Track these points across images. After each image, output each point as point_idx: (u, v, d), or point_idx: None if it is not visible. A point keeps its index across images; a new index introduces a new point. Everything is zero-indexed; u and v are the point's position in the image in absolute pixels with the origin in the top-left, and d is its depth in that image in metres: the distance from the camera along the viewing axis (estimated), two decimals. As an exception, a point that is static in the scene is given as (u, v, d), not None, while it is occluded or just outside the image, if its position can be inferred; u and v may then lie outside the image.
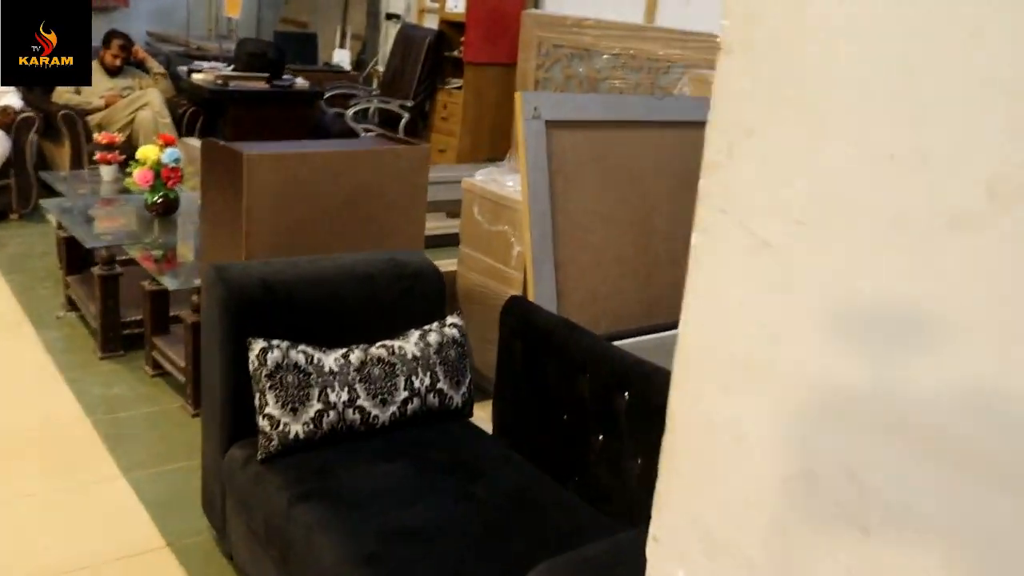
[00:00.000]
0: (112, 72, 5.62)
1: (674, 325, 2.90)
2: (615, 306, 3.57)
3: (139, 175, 3.79)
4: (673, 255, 3.75)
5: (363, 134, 6.12)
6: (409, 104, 6.17)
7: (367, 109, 6.19)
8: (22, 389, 3.37)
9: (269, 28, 8.46)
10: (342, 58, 7.11)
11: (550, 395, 2.60)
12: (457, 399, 2.46)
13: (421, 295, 2.56)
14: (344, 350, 2.32)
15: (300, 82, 5.85)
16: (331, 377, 2.25)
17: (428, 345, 2.42)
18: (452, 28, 6.37)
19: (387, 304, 2.50)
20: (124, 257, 3.63)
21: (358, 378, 2.29)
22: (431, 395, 2.40)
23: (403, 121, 6.18)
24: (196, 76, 5.71)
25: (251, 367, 2.20)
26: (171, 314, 3.48)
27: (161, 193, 3.83)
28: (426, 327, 2.48)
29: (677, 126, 3.73)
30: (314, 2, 8.56)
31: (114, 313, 3.61)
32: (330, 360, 2.28)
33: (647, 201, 3.65)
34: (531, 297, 3.36)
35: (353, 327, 2.43)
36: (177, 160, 3.84)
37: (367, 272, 2.48)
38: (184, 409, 3.27)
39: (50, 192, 4.56)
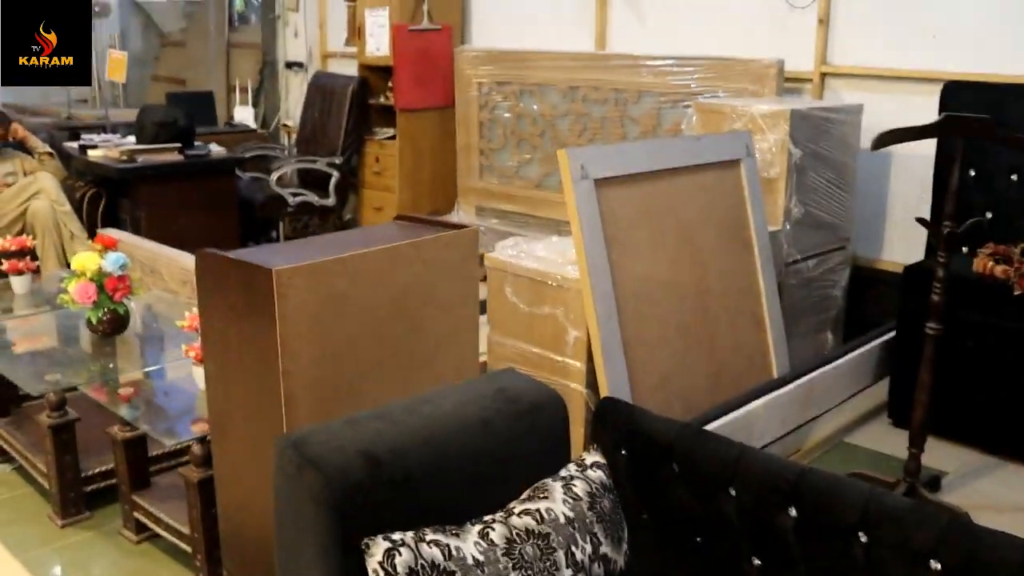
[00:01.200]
0: (-12, 157, 4.77)
1: (747, 398, 2.39)
2: (684, 384, 3.09)
3: (78, 290, 3.06)
4: (730, 314, 3.30)
5: (291, 199, 5.44)
6: (337, 161, 5.53)
7: (288, 171, 5.51)
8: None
9: (137, 89, 7.61)
10: (245, 116, 6.38)
11: (675, 514, 2.11)
12: (620, 561, 1.90)
13: (543, 432, 2.00)
14: (480, 527, 1.74)
15: (215, 149, 5.12)
16: (479, 571, 1.66)
17: (577, 499, 1.86)
18: (374, 73, 5.77)
19: (506, 451, 1.92)
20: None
21: (511, 565, 1.71)
22: (595, 565, 1.84)
23: (333, 180, 5.53)
24: (93, 153, 4.90)
25: (374, 580, 1.59)
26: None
27: (107, 308, 3.11)
28: (564, 474, 1.92)
29: (714, 167, 3.29)
30: (188, 56, 7.78)
31: (73, 469, 2.87)
32: (470, 546, 1.69)
33: (699, 257, 3.19)
34: (603, 389, 2.84)
35: (474, 491, 1.84)
36: (124, 266, 3.13)
37: (479, 416, 1.90)
38: (194, 588, 2.58)
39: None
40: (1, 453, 3.26)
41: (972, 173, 3.83)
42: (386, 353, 2.33)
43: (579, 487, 1.89)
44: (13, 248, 3.61)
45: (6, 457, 3.25)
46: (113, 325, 3.15)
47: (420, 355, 2.42)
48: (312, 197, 5.48)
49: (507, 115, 5.23)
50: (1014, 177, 3.72)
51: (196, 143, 5.06)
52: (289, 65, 6.51)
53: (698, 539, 2.09)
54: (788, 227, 3.62)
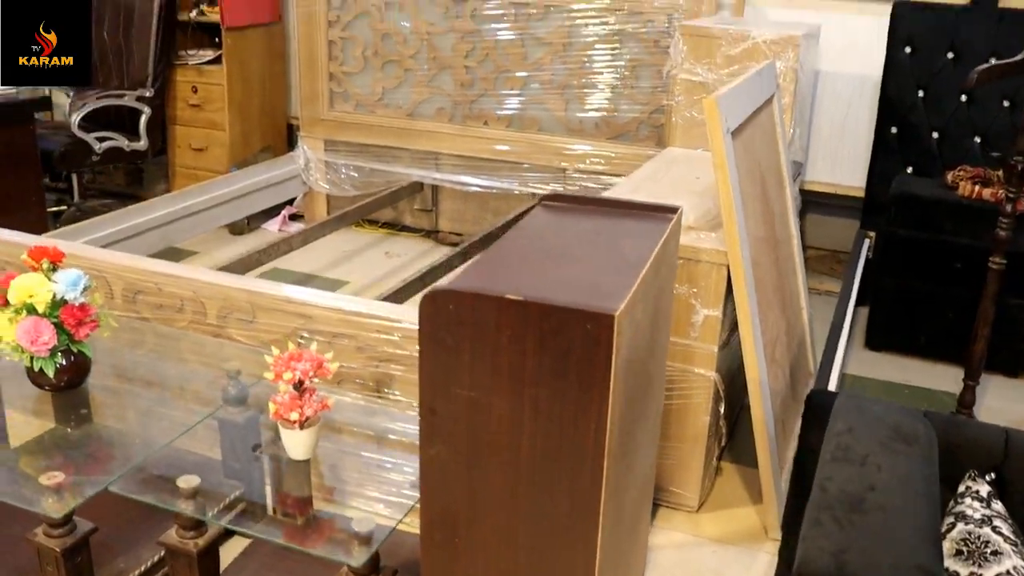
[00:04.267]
0: None
1: (828, 356, 2.20)
2: (781, 350, 2.79)
3: (26, 331, 2.06)
4: (785, 262, 3.02)
5: (97, 145, 4.24)
6: (148, 94, 4.38)
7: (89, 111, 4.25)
8: None
9: None
10: (-18, 35, 4.83)
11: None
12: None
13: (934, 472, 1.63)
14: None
15: (-1, 87, 3.80)
16: None
17: (1017, 546, 1.53)
18: (178, -20, 4.60)
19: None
20: None
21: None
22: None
23: (144, 118, 4.39)
24: None
25: None
26: None
27: (63, 350, 2.14)
28: (976, 515, 1.58)
29: (764, 104, 2.94)
30: None
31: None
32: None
33: (770, 205, 2.87)
34: (751, 375, 2.46)
35: None
36: (87, 288, 2.16)
37: (929, 482, 1.49)
38: None
39: None
40: None
41: (920, 94, 3.82)
42: (642, 398, 1.78)
43: (1006, 529, 1.55)
44: None
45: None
46: (75, 375, 2.18)
47: (653, 387, 1.89)
48: (122, 141, 4.32)
49: (367, 32, 4.43)
50: (963, 98, 3.76)
51: (-32, 80, 3.73)
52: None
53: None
54: (790, 160, 3.39)
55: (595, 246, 1.79)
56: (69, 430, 2.21)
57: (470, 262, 1.69)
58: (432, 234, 4.75)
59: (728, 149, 2.30)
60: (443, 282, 1.55)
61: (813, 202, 4.29)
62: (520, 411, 1.52)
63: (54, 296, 2.10)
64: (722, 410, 2.59)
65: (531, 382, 1.50)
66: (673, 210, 1.94)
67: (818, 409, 1.97)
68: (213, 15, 4.53)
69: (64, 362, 2.14)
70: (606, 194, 2.68)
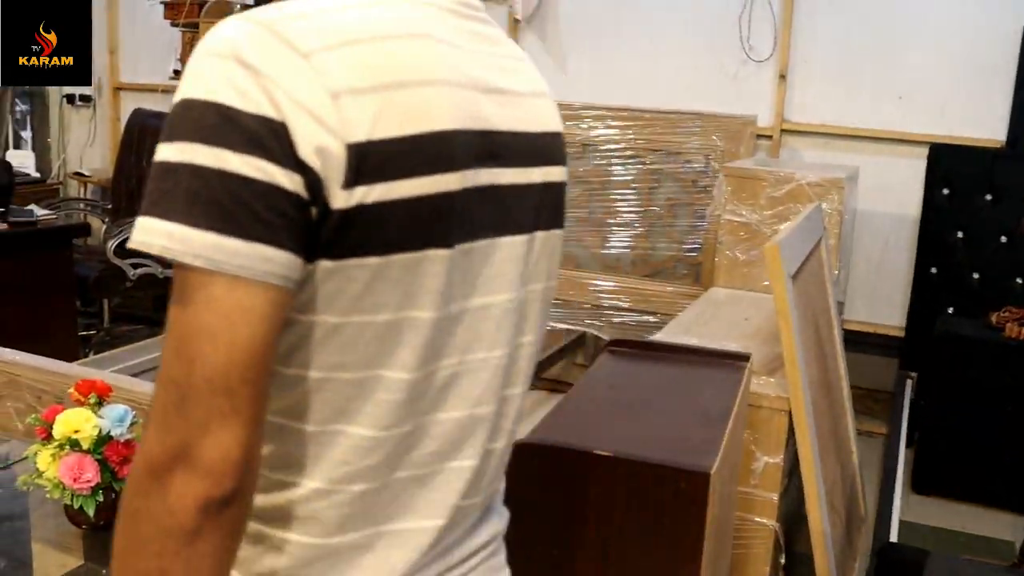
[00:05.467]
0: None
1: (887, 497, 1.98)
2: (837, 496, 2.69)
3: (68, 467, 1.99)
4: (840, 405, 2.95)
5: (131, 272, 4.25)
6: (185, 222, 4.40)
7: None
8: None
9: None
10: (24, 162, 4.90)
11: None
12: None
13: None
14: None
15: (40, 212, 3.83)
16: None
17: None
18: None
19: None
20: None
21: None
22: None
23: (179, 246, 4.40)
24: None
25: None
26: None
27: (104, 488, 2.06)
28: None
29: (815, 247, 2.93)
30: None
31: None
32: None
33: (822, 348, 2.81)
34: (815, 527, 2.35)
35: None
36: (134, 424, 2.10)
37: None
38: None
39: None
40: None
41: (960, 235, 3.82)
42: (720, 552, 1.69)
43: None
44: None
45: None
46: (115, 514, 2.09)
47: (727, 539, 1.80)
48: (156, 267, 4.32)
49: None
50: (1003, 239, 3.76)
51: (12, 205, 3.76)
52: (70, 98, 5.13)
53: None
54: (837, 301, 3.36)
55: (674, 396, 1.73)
56: (104, 571, 2.11)
57: (547, 413, 1.62)
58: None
59: (790, 295, 2.26)
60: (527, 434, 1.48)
61: (849, 340, 4.24)
62: (606, 569, 1.43)
63: (99, 432, 2.04)
64: (782, 560, 2.47)
65: (618, 539, 1.41)
66: (745, 357, 1.89)
67: (894, 565, 1.87)
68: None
69: (105, 500, 2.06)
70: (658, 336, 2.63)
